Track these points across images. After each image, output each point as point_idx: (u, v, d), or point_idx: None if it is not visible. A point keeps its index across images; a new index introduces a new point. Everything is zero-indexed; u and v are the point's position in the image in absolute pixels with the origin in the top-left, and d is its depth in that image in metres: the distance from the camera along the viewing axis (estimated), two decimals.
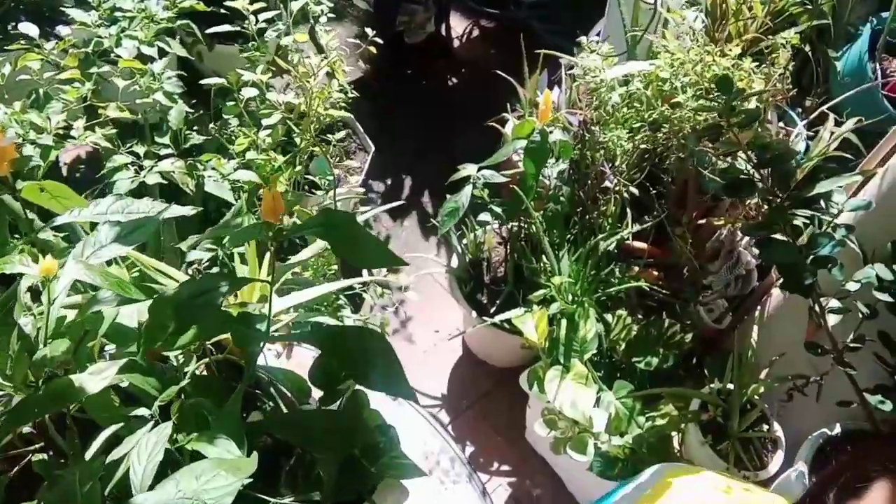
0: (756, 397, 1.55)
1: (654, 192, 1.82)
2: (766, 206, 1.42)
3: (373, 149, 2.13)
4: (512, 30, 2.22)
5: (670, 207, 1.80)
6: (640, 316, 1.84)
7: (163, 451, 0.54)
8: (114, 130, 1.08)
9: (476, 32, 3.15)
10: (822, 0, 1.95)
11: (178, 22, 1.24)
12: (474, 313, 1.88)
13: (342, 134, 1.53)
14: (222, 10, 1.40)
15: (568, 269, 1.79)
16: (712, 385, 1.58)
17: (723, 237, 1.68)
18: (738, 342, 1.59)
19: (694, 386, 1.69)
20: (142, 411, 0.61)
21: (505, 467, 1.95)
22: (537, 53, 2.00)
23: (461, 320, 2.15)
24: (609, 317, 1.80)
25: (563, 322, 1.72)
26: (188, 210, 0.74)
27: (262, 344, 0.68)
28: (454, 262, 1.97)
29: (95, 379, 0.54)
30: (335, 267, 1.61)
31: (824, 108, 1.78)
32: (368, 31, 1.78)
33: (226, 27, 1.26)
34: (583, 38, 1.73)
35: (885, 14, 1.94)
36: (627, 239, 1.87)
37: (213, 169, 1.10)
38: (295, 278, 1.24)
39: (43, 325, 0.57)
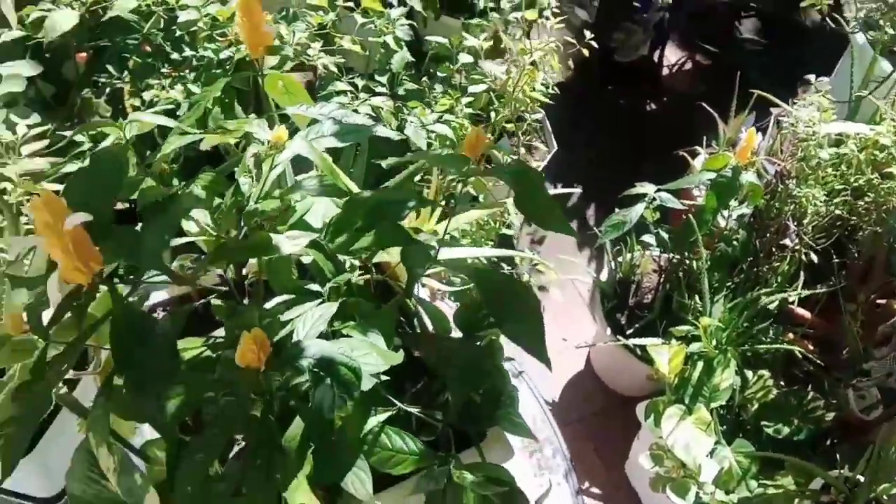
0: (885, 497, 1.43)
1: (836, 260, 1.71)
2: None
3: (555, 148, 2.15)
4: (725, 71, 2.15)
5: (849, 281, 1.69)
6: (782, 383, 1.74)
7: (324, 325, 0.61)
8: (342, 60, 1.19)
9: (689, 66, 3.08)
10: None
11: None
12: (609, 330, 1.87)
13: (539, 115, 1.57)
14: None
15: (720, 315, 1.74)
16: (842, 471, 1.48)
17: None
18: (883, 436, 1.47)
19: (820, 468, 1.58)
20: (314, 287, 0.69)
21: (595, 490, 1.92)
22: (747, 94, 1.94)
23: (592, 336, 2.13)
24: (749, 373, 1.73)
25: (700, 364, 1.67)
26: (394, 134, 0.80)
27: (426, 266, 0.73)
28: (603, 276, 1.96)
29: (290, 242, 0.61)
30: (491, 243, 1.66)
31: None
32: (587, 33, 1.80)
33: None
34: (810, 77, 1.67)
35: None
36: (792, 303, 1.78)
37: (416, 117, 1.18)
38: (452, 242, 1.30)
39: (258, 188, 0.65)
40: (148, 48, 1.27)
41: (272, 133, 0.64)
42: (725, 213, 1.82)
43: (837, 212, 1.66)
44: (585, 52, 1.80)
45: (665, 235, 1.80)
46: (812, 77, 1.66)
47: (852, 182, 1.58)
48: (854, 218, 1.65)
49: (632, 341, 1.78)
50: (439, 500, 0.66)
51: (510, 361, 1.27)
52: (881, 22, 2.07)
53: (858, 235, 1.65)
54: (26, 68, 1.13)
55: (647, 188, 1.72)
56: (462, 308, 0.85)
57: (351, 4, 1.24)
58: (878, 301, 1.66)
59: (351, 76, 1.20)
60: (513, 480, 0.67)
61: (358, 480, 0.59)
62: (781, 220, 1.76)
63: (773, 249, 1.81)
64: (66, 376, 0.79)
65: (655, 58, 2.97)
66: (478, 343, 0.79)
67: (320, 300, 0.66)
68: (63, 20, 0.98)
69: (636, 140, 2.73)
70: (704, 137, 2.09)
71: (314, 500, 0.65)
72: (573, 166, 2.55)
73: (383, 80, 1.24)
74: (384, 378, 0.73)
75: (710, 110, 2.04)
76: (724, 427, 1.65)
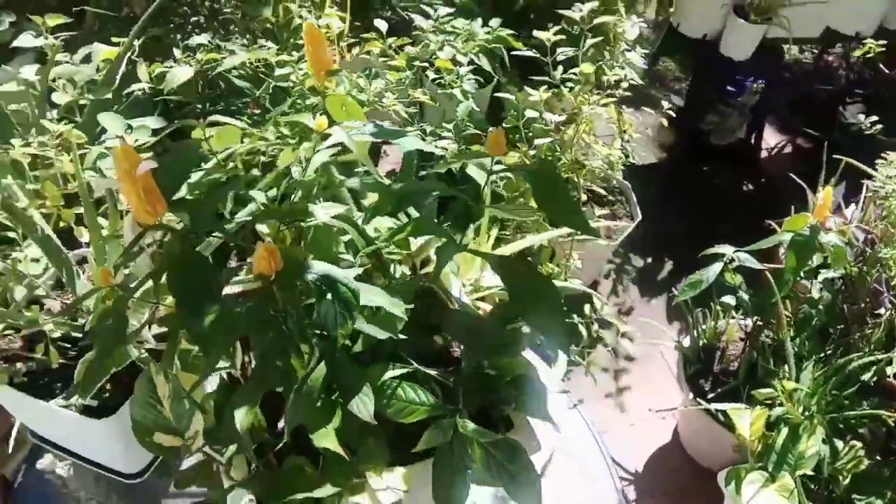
0: None
1: None
2: None
3: (639, 217, 2.19)
4: (828, 154, 2.13)
5: None
6: (878, 458, 1.63)
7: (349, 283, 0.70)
8: (415, 110, 1.34)
9: (789, 149, 3.07)
10: None
11: (492, 45, 1.48)
12: (691, 394, 1.83)
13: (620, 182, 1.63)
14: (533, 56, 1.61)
15: (808, 382, 1.68)
16: None
17: None
18: None
19: None
20: (348, 257, 0.79)
21: None
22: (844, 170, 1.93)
23: (678, 409, 2.08)
24: (840, 444, 1.64)
25: (784, 430, 1.61)
26: (425, 145, 0.91)
27: (453, 252, 0.81)
28: (686, 342, 1.94)
29: (324, 211, 0.72)
30: None
31: None
32: (667, 104, 1.88)
33: (530, 52, 1.46)
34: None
35: None
36: (889, 376, 1.69)
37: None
38: None
39: (304, 170, 0.77)
40: (257, 109, 1.47)
41: (315, 121, 0.76)
42: (813, 279, 1.80)
43: None
44: (665, 122, 1.87)
45: (745, 297, 1.78)
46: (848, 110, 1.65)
47: None
48: None
49: (713, 406, 1.74)
50: (447, 453, 0.71)
51: (565, 393, 1.30)
52: None
53: None
54: (153, 122, 1.34)
55: (725, 249, 1.73)
56: (494, 307, 0.92)
57: (426, 65, 1.40)
58: None
59: (421, 124, 1.35)
60: (511, 440, 0.72)
61: (362, 403, 0.66)
62: (870, 285, 1.70)
63: (867, 318, 1.74)
64: (150, 346, 0.92)
65: (753, 140, 2.98)
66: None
67: (353, 268, 0.76)
68: (181, 74, 1.18)
69: (728, 216, 2.72)
70: (792, 208, 2.07)
71: (338, 448, 0.73)
72: (659, 239, 2.57)
73: (449, 126, 1.37)
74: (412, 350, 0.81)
75: (800, 182, 2.04)
76: (813, 502, 1.56)
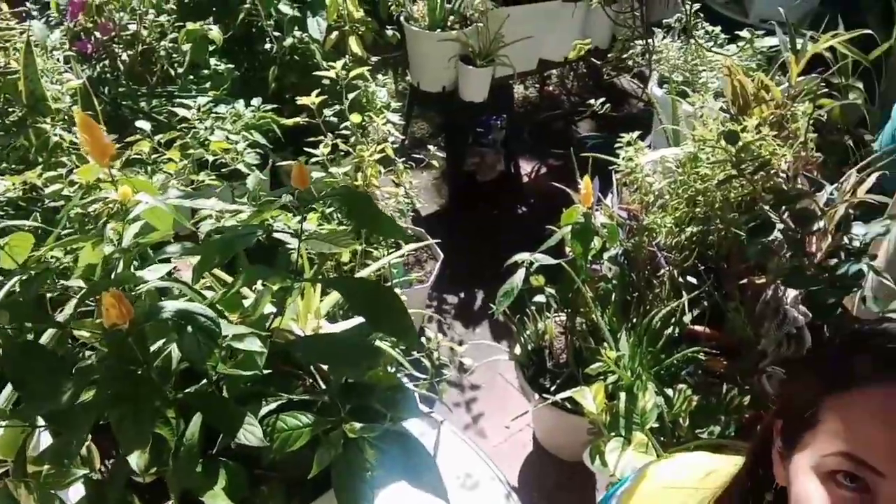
0: None
1: (702, 268, 1.90)
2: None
3: (441, 256, 2.33)
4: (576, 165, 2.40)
5: (721, 283, 1.87)
6: (703, 394, 1.85)
7: None
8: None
9: (544, 170, 3.42)
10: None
11: (260, 122, 1.54)
12: (536, 395, 1.95)
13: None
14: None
15: (626, 348, 1.86)
16: None
17: (768, 298, 1.71)
18: None
19: None
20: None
21: None
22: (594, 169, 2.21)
23: (531, 417, 2.19)
24: (670, 392, 1.83)
25: (622, 395, 1.76)
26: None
27: (290, 291, 0.84)
28: (517, 351, 2.07)
29: (152, 273, 0.71)
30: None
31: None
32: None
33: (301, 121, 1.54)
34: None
35: None
36: (688, 325, 1.93)
37: (281, 221, 1.33)
38: None
39: (117, 243, 0.76)
40: None
41: (119, 193, 0.76)
42: (601, 261, 2.01)
43: (688, 230, 1.87)
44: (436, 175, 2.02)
45: (552, 290, 1.95)
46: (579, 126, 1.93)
47: (682, 193, 1.80)
48: (702, 227, 1.86)
49: (557, 397, 1.87)
50: (343, 463, 0.72)
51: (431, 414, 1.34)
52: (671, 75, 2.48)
53: (709, 240, 1.85)
54: None
55: (523, 255, 1.90)
56: (347, 329, 0.95)
57: (201, 151, 1.42)
58: (741, 282, 1.82)
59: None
60: (398, 428, 0.74)
61: (249, 432, 0.65)
62: (645, 251, 1.95)
63: (652, 279, 1.98)
64: None
65: (512, 170, 3.29)
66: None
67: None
68: None
69: (513, 237, 2.94)
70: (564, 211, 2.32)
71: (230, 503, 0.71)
72: (464, 277, 2.73)
73: (244, 199, 1.40)
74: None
75: (563, 188, 2.28)
76: (666, 448, 1.72)
